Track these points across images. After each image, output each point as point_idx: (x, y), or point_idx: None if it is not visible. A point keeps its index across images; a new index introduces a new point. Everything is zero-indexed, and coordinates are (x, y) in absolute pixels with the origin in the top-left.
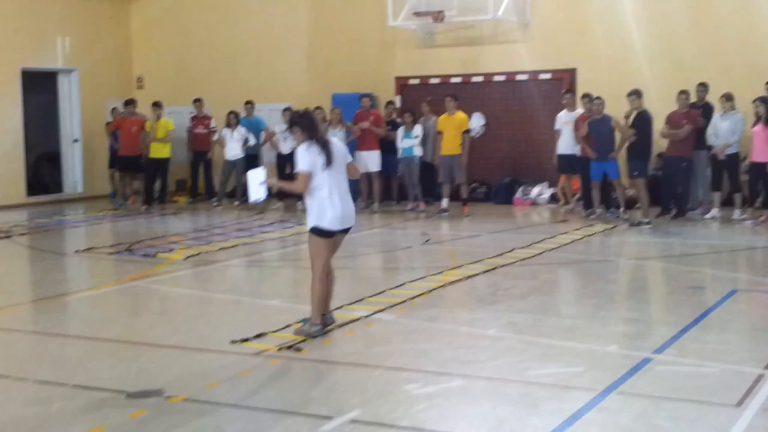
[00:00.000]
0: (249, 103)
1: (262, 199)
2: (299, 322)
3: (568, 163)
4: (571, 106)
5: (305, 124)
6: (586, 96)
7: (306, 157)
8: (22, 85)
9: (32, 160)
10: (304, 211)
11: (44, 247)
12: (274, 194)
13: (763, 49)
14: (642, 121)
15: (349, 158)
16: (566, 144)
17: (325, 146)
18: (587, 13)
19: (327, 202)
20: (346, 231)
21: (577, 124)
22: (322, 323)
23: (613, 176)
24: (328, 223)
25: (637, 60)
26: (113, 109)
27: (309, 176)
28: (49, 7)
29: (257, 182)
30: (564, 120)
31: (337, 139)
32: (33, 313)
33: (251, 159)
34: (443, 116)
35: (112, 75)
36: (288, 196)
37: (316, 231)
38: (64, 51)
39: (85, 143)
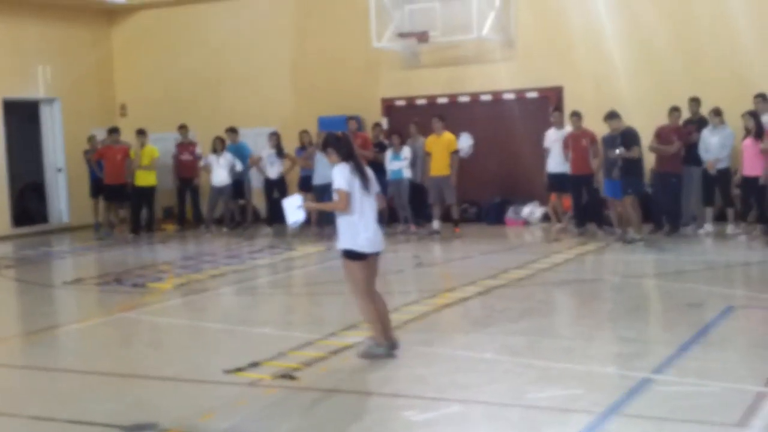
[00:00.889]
0: (231, 130)
1: (300, 222)
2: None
3: (558, 182)
4: (560, 124)
5: (343, 145)
6: (575, 114)
7: (345, 177)
8: (4, 115)
9: (17, 191)
10: (294, 236)
11: (31, 279)
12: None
13: (746, 61)
14: (630, 139)
15: (378, 187)
16: (556, 162)
17: (360, 170)
18: (571, 31)
19: (360, 224)
20: (377, 254)
21: (566, 141)
22: (389, 345)
23: (616, 195)
24: (361, 245)
25: (623, 76)
26: (91, 137)
27: (349, 195)
28: (30, 37)
29: (294, 207)
30: (553, 138)
31: (368, 168)
32: (22, 347)
33: (238, 185)
34: (431, 137)
35: (94, 103)
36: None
37: (351, 254)
38: (46, 80)
39: (69, 173)
